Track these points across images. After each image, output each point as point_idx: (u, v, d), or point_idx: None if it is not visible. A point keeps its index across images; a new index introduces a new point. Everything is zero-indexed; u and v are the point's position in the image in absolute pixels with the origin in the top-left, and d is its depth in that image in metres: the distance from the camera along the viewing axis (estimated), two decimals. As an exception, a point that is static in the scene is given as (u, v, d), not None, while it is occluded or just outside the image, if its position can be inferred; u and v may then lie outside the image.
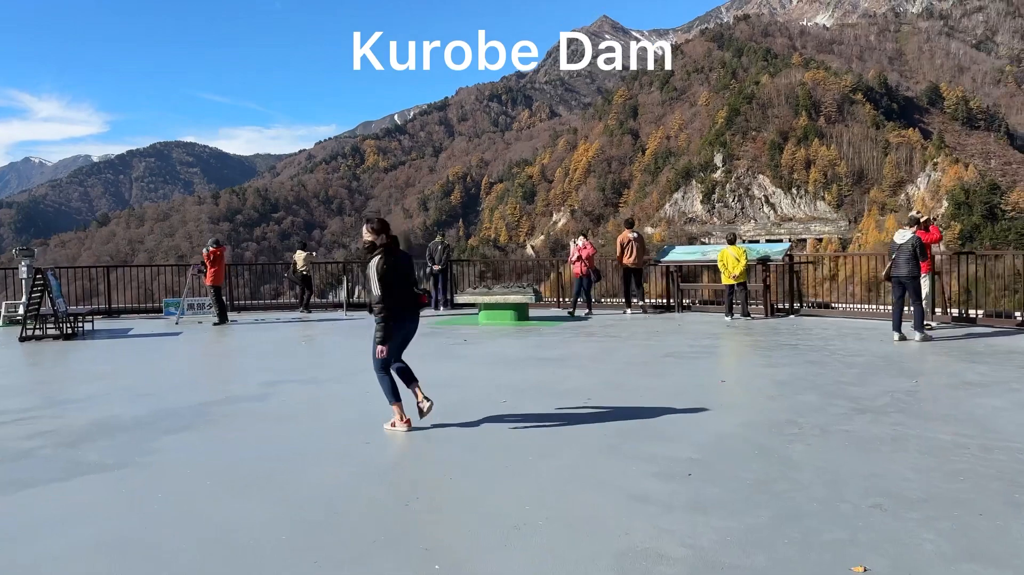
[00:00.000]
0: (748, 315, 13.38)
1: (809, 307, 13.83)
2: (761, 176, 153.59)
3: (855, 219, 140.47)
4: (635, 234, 15.49)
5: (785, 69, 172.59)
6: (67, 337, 12.57)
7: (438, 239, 17.66)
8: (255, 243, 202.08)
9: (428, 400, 5.81)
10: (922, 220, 10.35)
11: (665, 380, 7.58)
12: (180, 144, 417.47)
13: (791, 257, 13.68)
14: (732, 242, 13.87)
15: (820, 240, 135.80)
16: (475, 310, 14.49)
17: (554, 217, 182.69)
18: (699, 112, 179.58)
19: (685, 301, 15.34)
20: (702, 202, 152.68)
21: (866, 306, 13.44)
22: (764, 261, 13.82)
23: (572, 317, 14.36)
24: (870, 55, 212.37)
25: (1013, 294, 15.88)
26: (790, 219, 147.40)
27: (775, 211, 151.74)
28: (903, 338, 9.78)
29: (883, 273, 10.07)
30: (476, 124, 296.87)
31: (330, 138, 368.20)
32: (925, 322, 10.04)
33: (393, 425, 5.75)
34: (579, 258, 14.75)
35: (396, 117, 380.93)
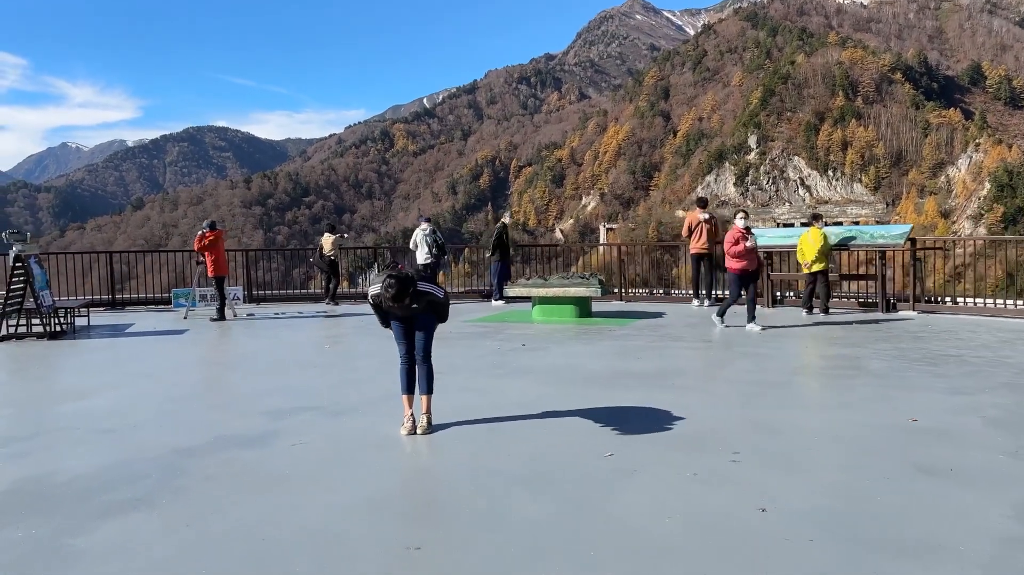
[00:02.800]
0: (827, 310, 11.38)
1: (930, 302, 11.57)
2: (796, 158, 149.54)
3: (893, 202, 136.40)
4: (706, 215, 13.36)
5: (821, 48, 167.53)
6: (53, 336, 10.75)
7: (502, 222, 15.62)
8: (287, 227, 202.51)
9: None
10: None
11: (826, 416, 5.48)
12: (212, 129, 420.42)
13: (914, 241, 11.41)
14: (816, 221, 11.72)
15: (856, 223, 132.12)
16: (523, 303, 12.49)
17: (583, 200, 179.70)
18: (732, 93, 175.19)
19: (777, 294, 13.14)
20: (735, 184, 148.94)
21: (998, 302, 11.12)
22: (843, 246, 11.83)
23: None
24: (909, 33, 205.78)
25: None
26: (826, 202, 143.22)
27: (811, 193, 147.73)
28: None
29: None
30: (505, 107, 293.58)
31: (360, 122, 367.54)
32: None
33: None
34: (748, 249, 10.03)
35: (425, 101, 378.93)
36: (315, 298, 16.27)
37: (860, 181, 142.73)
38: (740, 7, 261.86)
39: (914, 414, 5.35)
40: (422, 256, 15.03)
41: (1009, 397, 5.78)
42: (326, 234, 15.79)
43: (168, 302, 15.56)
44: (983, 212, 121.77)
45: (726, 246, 10.21)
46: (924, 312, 11.15)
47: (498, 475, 4.23)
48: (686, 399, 6.01)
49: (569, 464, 4.38)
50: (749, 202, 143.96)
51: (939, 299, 11.67)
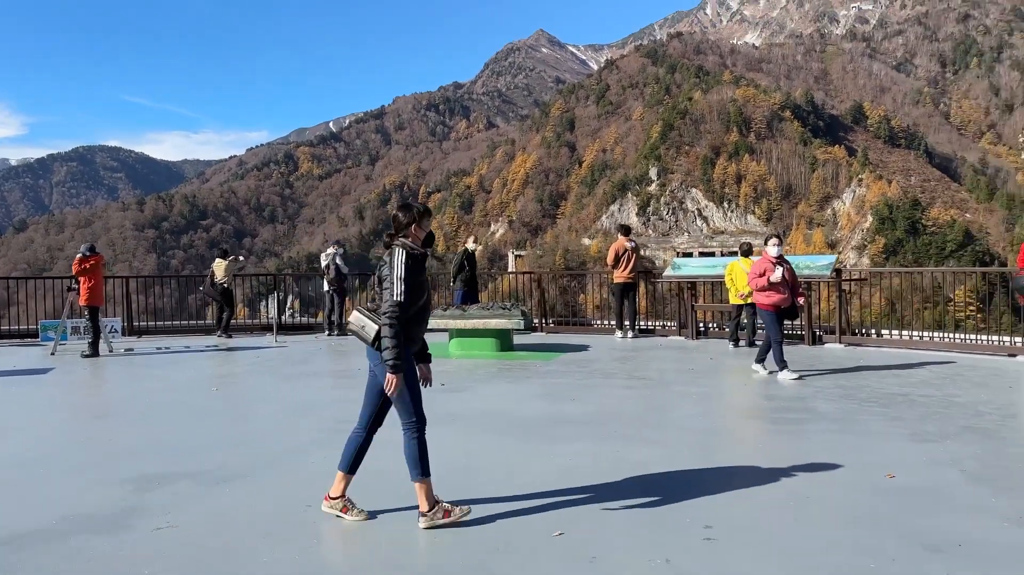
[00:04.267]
0: (754, 344, 11.09)
1: (855, 334, 11.39)
2: (694, 190, 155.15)
3: (784, 233, 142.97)
4: (632, 243, 12.90)
5: (717, 86, 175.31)
6: None
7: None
8: (182, 251, 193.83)
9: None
10: None
11: (794, 471, 4.86)
12: (104, 148, 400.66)
13: (839, 272, 11.22)
14: (747, 254, 11.43)
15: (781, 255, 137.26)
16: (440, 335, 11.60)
17: (492, 227, 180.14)
18: (634, 126, 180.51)
19: (702, 326, 12.75)
20: (638, 214, 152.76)
21: (924, 335, 11.04)
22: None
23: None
24: (797, 74, 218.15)
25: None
26: (722, 232, 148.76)
27: (707, 224, 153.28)
28: None
29: None
30: (413, 133, 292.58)
31: (262, 144, 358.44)
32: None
33: (443, 514, 3.84)
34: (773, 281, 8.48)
35: (331, 124, 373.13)
36: (207, 330, 14.84)
37: (753, 213, 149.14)
38: (640, 44, 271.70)
39: (884, 466, 4.80)
40: (326, 282, 14.08)
41: (977, 445, 5.34)
42: (218, 259, 14.43)
43: (36, 335, 13.81)
44: (866, 243, 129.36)
45: (750, 279, 8.68)
46: (850, 345, 10.94)
47: (430, 572, 3.36)
48: (636, 452, 5.29)
49: (512, 548, 3.55)
50: (651, 231, 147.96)
51: (864, 331, 11.54)
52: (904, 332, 11.22)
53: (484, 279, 18.59)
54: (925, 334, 11.05)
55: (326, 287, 14.10)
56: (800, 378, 8.18)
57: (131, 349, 12.20)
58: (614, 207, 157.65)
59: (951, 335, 10.90)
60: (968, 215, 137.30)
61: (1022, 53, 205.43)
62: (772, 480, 4.59)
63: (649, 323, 13.87)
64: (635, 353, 10.80)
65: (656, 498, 4.25)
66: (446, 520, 3.85)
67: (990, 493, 4.25)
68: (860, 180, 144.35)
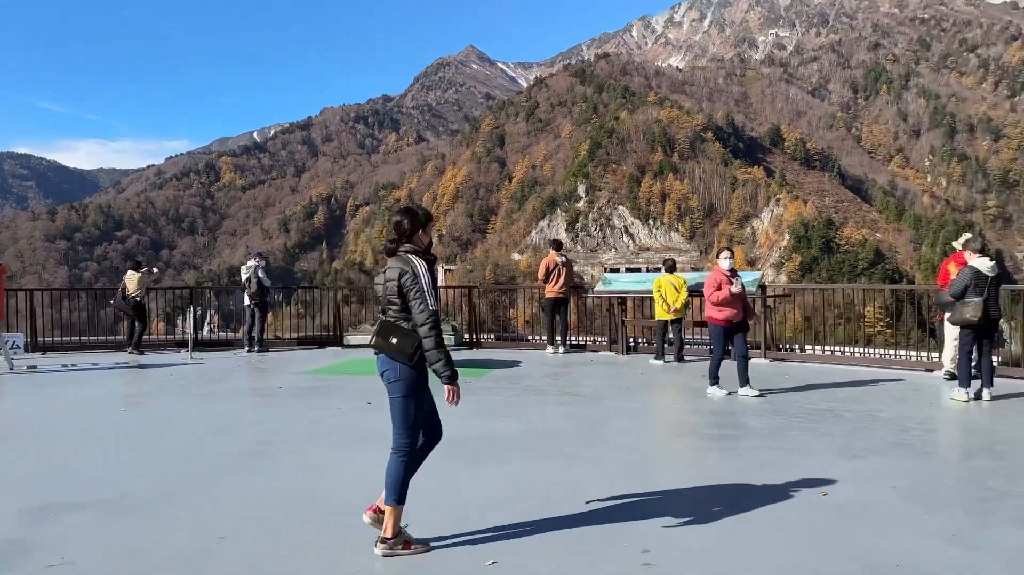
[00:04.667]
0: (682, 359, 11.20)
1: (780, 350, 11.59)
2: (621, 207, 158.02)
3: (705, 250, 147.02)
4: (563, 258, 12.85)
5: (642, 106, 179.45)
6: None
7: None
8: (96, 263, 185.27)
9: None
10: (966, 244, 8.13)
11: (731, 489, 4.79)
12: (13, 155, 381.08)
13: (764, 288, 11.41)
14: (671, 269, 11.56)
15: (697, 270, 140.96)
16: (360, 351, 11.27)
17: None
18: (563, 144, 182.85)
19: (631, 341, 12.77)
20: (567, 230, 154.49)
21: (847, 350, 11.33)
22: (696, 292, 11.73)
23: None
24: (719, 97, 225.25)
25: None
26: (648, 249, 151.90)
27: (634, 241, 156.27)
28: (973, 398, 7.71)
29: (965, 314, 7.59)
30: (341, 145, 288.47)
31: (182, 154, 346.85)
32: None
33: (403, 545, 3.67)
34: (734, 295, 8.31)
35: (256, 135, 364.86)
36: (119, 346, 14.04)
37: (677, 230, 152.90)
38: (569, 64, 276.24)
39: (818, 484, 4.79)
40: (247, 296, 13.51)
41: (906, 461, 5.41)
42: (130, 272, 13.68)
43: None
44: (784, 261, 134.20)
45: (706, 292, 8.40)
46: (776, 360, 11.12)
47: None
48: (571, 472, 5.14)
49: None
50: (579, 247, 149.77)
51: (788, 347, 11.77)
52: (828, 348, 11.50)
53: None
54: (847, 350, 11.35)
55: (247, 301, 13.54)
56: (762, 395, 8.11)
57: (34, 366, 11.41)
58: (543, 223, 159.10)
59: (871, 351, 11.22)
60: (878, 235, 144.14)
61: (927, 81, 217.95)
62: (709, 500, 4.50)
63: (579, 338, 13.85)
64: (567, 369, 10.71)
65: (592, 521, 4.10)
66: (404, 552, 3.64)
67: (923, 510, 4.26)
68: (778, 200, 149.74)
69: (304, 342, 14.37)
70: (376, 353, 3.81)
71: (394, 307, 3.71)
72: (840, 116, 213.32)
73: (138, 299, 13.40)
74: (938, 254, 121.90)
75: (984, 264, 7.65)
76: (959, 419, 7.08)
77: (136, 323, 13.39)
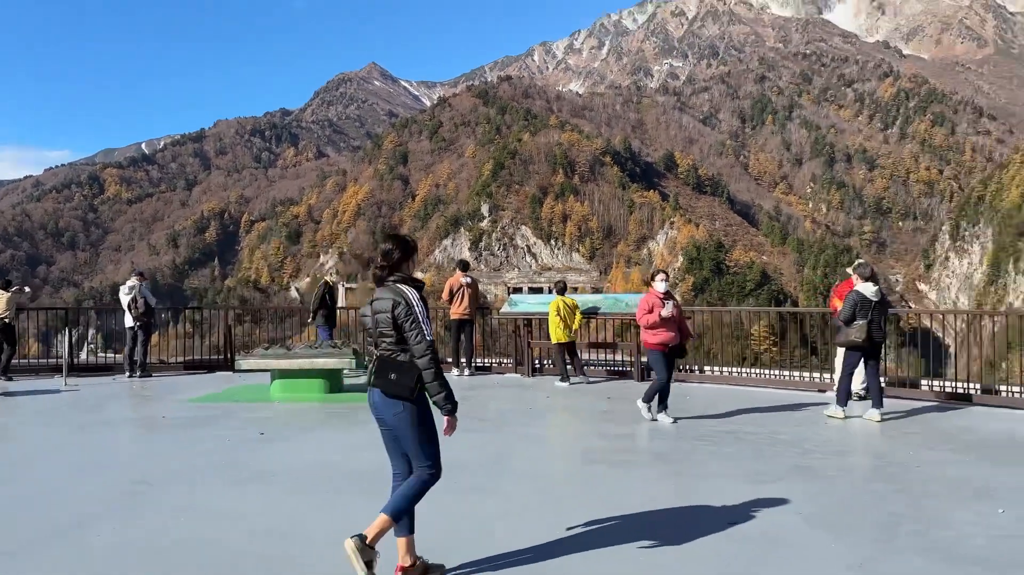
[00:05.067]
0: (584, 379, 11.32)
1: (679, 371, 11.77)
2: (524, 227, 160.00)
3: (605, 270, 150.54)
4: (468, 278, 12.67)
5: (544, 129, 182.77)
6: None
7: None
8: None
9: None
10: (856, 270, 8.50)
11: (649, 519, 4.68)
12: None
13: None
14: (562, 291, 11.63)
15: (576, 289, 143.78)
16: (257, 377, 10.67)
17: (321, 259, 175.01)
18: (467, 163, 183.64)
19: (537, 363, 12.67)
20: (470, 249, 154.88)
21: (743, 371, 11.63)
22: (592, 313, 11.90)
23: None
24: (617, 122, 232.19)
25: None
26: (550, 268, 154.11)
27: (536, 260, 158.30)
28: (848, 415, 8.09)
29: (850, 335, 7.98)
30: (236, 158, 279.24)
31: (63, 164, 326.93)
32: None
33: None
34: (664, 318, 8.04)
35: (144, 146, 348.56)
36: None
37: (578, 251, 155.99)
38: (472, 84, 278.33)
39: (726, 511, 4.77)
40: (129, 319, 12.58)
41: (809, 485, 5.47)
42: (-1, 291, 12.57)
43: None
44: (677, 282, 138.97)
45: (638, 315, 8.09)
46: (675, 381, 11.27)
47: None
48: (478, 506, 4.93)
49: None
50: (483, 267, 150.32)
51: (687, 368, 11.97)
52: (725, 369, 11.77)
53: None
54: (745, 371, 11.65)
55: (130, 322, 12.63)
56: (675, 422, 7.94)
57: None
58: (447, 242, 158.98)
59: (767, 371, 11.56)
60: (765, 257, 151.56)
61: (809, 113, 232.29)
62: (621, 532, 4.39)
63: (485, 360, 13.67)
64: (472, 392, 10.50)
65: (500, 561, 3.90)
66: None
67: (831, 538, 4.28)
68: (672, 223, 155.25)
69: (191, 366, 13.55)
70: (370, 388, 3.74)
71: (388, 339, 3.63)
72: (729, 144, 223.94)
73: (7, 321, 12.29)
74: (819, 276, 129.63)
75: (869, 289, 8.04)
76: (855, 441, 7.30)
77: (4, 347, 12.28)
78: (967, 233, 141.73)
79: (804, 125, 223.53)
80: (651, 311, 8.00)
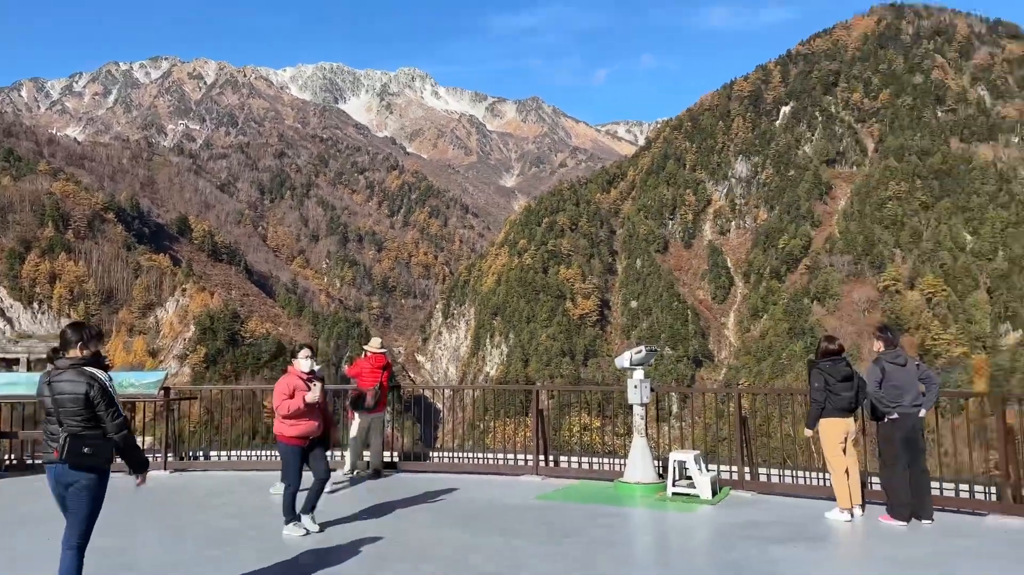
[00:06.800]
0: None
1: (183, 458, 10.27)
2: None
3: (103, 339, 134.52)
4: None
5: (31, 174, 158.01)
6: None
7: None
8: None
9: None
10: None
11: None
12: None
13: (167, 391, 10.00)
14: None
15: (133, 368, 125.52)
16: None
17: None
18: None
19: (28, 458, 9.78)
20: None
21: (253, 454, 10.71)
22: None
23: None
24: (123, 177, 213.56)
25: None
26: (30, 336, 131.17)
27: (12, 326, 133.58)
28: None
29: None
30: None
31: None
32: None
33: None
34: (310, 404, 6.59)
35: None
36: None
37: (69, 316, 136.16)
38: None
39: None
40: None
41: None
42: None
43: None
44: (188, 352, 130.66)
45: (275, 403, 6.41)
46: (176, 470, 9.83)
47: None
48: None
49: None
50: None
51: (191, 455, 10.56)
52: (234, 453, 10.75)
53: None
54: (253, 454, 10.81)
55: None
56: (322, 530, 6.55)
57: None
58: None
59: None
60: (281, 328, 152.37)
61: (326, 193, 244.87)
62: None
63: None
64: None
65: None
66: None
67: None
68: (184, 290, 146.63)
69: None
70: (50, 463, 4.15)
71: (79, 418, 4.13)
72: (248, 214, 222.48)
73: None
74: (332, 347, 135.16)
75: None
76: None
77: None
78: (455, 311, 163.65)
79: (321, 203, 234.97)
80: (292, 396, 6.45)
